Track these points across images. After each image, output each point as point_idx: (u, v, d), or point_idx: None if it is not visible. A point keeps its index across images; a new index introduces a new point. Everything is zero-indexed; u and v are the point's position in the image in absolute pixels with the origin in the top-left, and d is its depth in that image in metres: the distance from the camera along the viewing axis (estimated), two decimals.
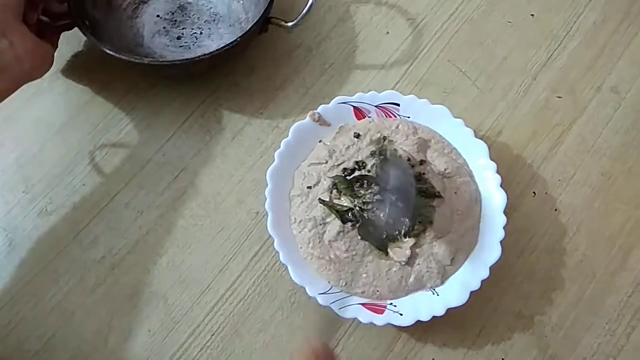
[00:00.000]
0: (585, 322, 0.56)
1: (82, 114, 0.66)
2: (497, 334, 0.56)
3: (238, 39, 0.59)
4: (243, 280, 0.59)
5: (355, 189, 0.54)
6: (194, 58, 0.60)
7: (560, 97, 0.65)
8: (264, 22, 0.63)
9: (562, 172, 0.62)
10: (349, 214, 0.54)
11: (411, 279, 0.53)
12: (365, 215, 0.53)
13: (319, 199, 0.55)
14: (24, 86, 0.67)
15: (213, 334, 0.57)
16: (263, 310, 0.57)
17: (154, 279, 0.59)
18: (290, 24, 0.62)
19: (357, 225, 0.53)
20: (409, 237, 0.53)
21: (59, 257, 0.59)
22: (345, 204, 0.54)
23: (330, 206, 0.54)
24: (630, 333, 0.56)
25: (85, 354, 0.56)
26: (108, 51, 0.59)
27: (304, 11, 0.61)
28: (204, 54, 0.59)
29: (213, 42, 0.68)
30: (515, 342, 0.56)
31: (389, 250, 0.53)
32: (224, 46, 0.59)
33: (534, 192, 0.61)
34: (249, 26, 0.61)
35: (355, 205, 0.54)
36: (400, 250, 0.53)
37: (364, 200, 0.53)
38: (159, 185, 0.63)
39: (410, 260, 0.53)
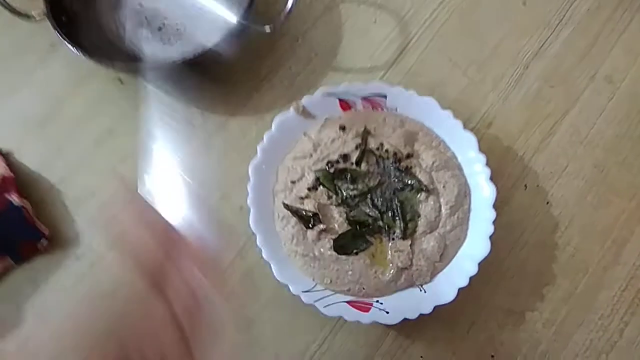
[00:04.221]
0: (578, 318, 0.55)
1: (61, 107, 0.64)
2: (486, 331, 0.55)
3: (211, 48, 0.57)
4: (227, 278, 0.57)
5: (337, 184, 0.52)
6: (169, 62, 0.58)
7: (552, 87, 0.64)
8: (241, 28, 0.60)
9: (554, 164, 0.61)
10: (313, 221, 0.52)
11: (401, 279, 0.52)
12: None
13: (283, 202, 0.53)
14: (1, 80, 0.65)
15: None
16: (248, 308, 0.56)
17: None
18: (267, 27, 0.59)
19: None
20: (405, 239, 0.52)
21: (37, 254, 0.58)
22: (310, 209, 0.53)
23: (294, 211, 0.53)
24: (623, 329, 0.55)
25: None
26: (81, 54, 0.57)
27: (282, 18, 0.57)
28: (176, 60, 0.57)
29: (194, 36, 0.66)
30: (506, 339, 0.55)
31: (387, 256, 0.52)
32: (200, 53, 0.57)
33: (525, 185, 0.60)
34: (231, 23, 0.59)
35: (332, 203, 0.52)
36: (402, 254, 0.52)
37: (344, 196, 0.52)
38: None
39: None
